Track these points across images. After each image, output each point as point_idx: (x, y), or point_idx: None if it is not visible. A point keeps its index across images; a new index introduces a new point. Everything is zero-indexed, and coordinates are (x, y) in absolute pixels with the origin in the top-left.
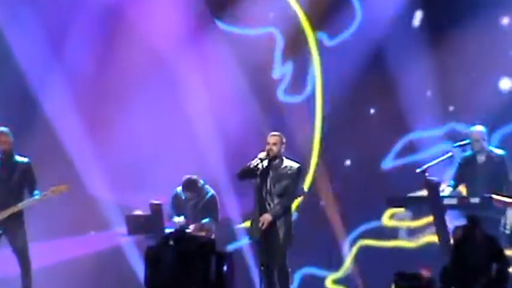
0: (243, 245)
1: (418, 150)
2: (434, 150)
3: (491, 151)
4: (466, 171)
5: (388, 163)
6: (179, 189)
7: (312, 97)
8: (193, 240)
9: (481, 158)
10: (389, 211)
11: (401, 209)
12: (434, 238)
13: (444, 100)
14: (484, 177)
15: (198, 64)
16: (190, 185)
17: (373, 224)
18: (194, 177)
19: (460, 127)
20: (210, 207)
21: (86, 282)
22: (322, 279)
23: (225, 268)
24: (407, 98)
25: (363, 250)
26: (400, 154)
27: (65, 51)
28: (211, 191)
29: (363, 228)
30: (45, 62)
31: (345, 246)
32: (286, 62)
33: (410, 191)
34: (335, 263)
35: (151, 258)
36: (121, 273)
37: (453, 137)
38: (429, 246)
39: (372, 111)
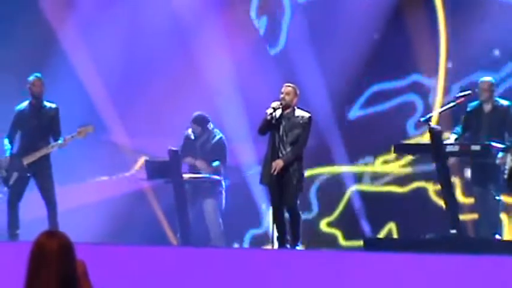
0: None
1: (382, 101)
2: (397, 101)
3: (498, 101)
4: (471, 120)
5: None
6: (190, 130)
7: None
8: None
9: (487, 108)
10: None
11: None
12: (423, 184)
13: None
14: (488, 126)
15: (210, 18)
16: (200, 120)
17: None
18: (204, 113)
19: (423, 79)
20: (219, 150)
21: (108, 225)
22: (316, 223)
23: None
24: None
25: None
26: (365, 104)
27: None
28: (221, 135)
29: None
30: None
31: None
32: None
33: (376, 140)
34: (328, 207)
35: None
36: (142, 216)
37: (415, 89)
38: (417, 190)
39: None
